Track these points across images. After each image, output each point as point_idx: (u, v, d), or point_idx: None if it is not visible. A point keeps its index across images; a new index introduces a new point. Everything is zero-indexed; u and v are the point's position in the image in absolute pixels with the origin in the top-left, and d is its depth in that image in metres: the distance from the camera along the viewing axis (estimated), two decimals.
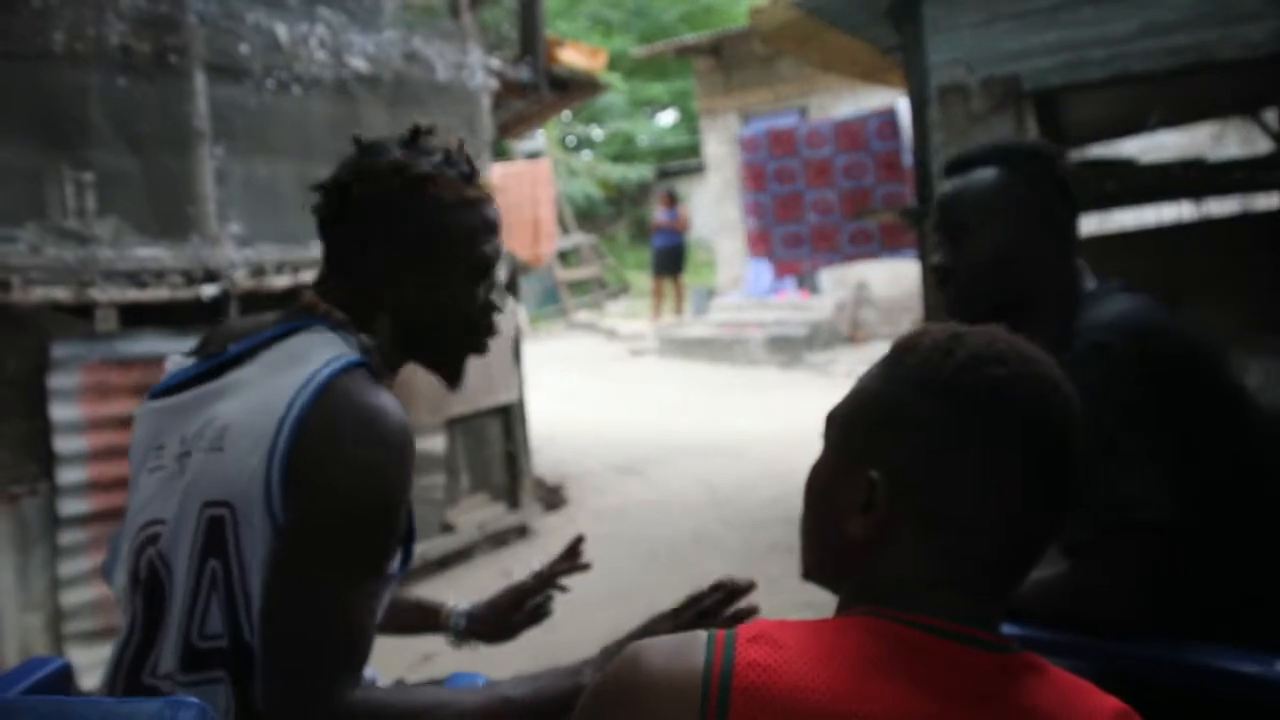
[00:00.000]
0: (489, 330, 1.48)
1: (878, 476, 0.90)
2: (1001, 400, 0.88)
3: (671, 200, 15.02)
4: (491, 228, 1.42)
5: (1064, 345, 1.51)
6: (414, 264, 1.37)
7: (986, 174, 1.65)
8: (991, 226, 1.62)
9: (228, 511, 1.23)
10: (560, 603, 4.66)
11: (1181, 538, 1.35)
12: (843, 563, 0.94)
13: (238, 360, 1.34)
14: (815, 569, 1.00)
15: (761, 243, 7.57)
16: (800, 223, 7.29)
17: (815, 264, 7.84)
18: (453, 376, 1.50)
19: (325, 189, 1.39)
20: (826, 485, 0.97)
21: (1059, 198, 1.63)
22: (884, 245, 7.24)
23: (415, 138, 1.40)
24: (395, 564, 1.32)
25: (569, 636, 4.15)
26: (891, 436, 0.91)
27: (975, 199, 1.64)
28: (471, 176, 1.41)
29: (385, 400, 1.26)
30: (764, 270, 12.33)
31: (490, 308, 1.46)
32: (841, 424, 0.97)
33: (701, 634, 0.86)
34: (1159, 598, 1.35)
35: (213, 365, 1.36)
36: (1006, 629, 0.92)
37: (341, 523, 1.20)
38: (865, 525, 0.90)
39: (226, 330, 1.43)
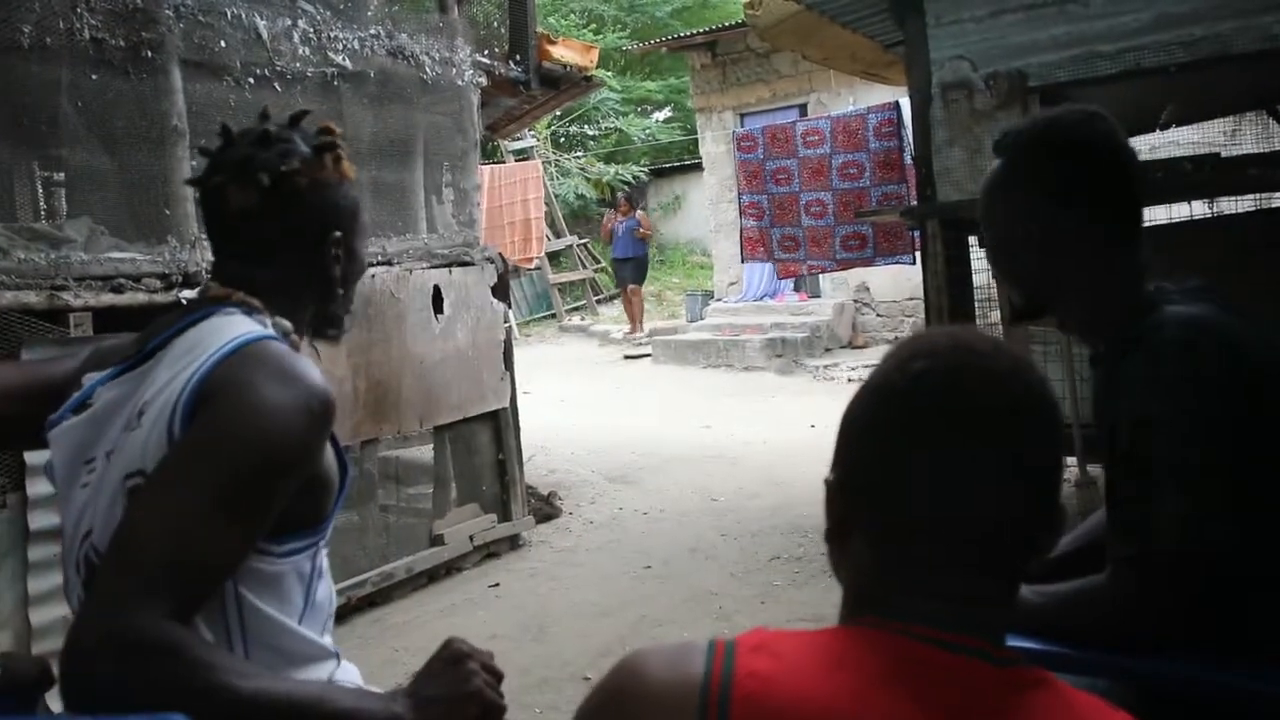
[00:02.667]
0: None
1: (832, 480, 0.93)
2: (924, 396, 0.87)
3: (631, 206, 14.38)
4: (358, 199, 1.52)
5: (1117, 348, 1.44)
6: (344, 237, 1.46)
7: (997, 165, 1.58)
8: (995, 222, 1.58)
9: (141, 478, 1.23)
10: (554, 615, 4.48)
11: (1219, 562, 1.29)
12: (834, 568, 0.96)
13: (154, 354, 1.35)
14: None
15: (760, 245, 7.50)
16: (796, 225, 7.23)
17: (811, 269, 7.77)
18: (339, 336, 1.57)
19: (223, 182, 1.41)
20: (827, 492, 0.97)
21: (1087, 189, 1.50)
22: (878, 250, 7.17)
23: (296, 122, 1.47)
24: (299, 540, 1.31)
25: (562, 649, 4.04)
26: (847, 440, 0.93)
27: (984, 191, 1.59)
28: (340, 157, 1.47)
29: (306, 363, 1.28)
30: (761, 273, 12.25)
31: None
32: None
33: (700, 643, 0.86)
34: (1196, 618, 1.30)
35: (130, 366, 1.36)
36: (1019, 644, 0.92)
37: (220, 451, 1.18)
38: (828, 528, 0.94)
39: (137, 337, 1.43)
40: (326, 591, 1.41)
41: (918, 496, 0.86)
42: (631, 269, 13.97)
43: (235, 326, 1.31)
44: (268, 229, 1.41)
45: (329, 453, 1.34)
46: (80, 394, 1.38)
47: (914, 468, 0.86)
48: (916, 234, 6.34)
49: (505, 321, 5.38)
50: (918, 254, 6.63)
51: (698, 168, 15.34)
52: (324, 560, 1.40)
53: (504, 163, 14.40)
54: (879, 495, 0.89)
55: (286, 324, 1.41)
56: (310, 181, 1.42)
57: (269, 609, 1.28)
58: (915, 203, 5.58)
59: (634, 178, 17.83)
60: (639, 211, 14.50)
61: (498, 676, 1.31)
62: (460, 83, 5.29)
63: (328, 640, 1.40)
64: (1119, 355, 1.44)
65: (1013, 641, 0.90)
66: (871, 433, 0.90)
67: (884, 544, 0.89)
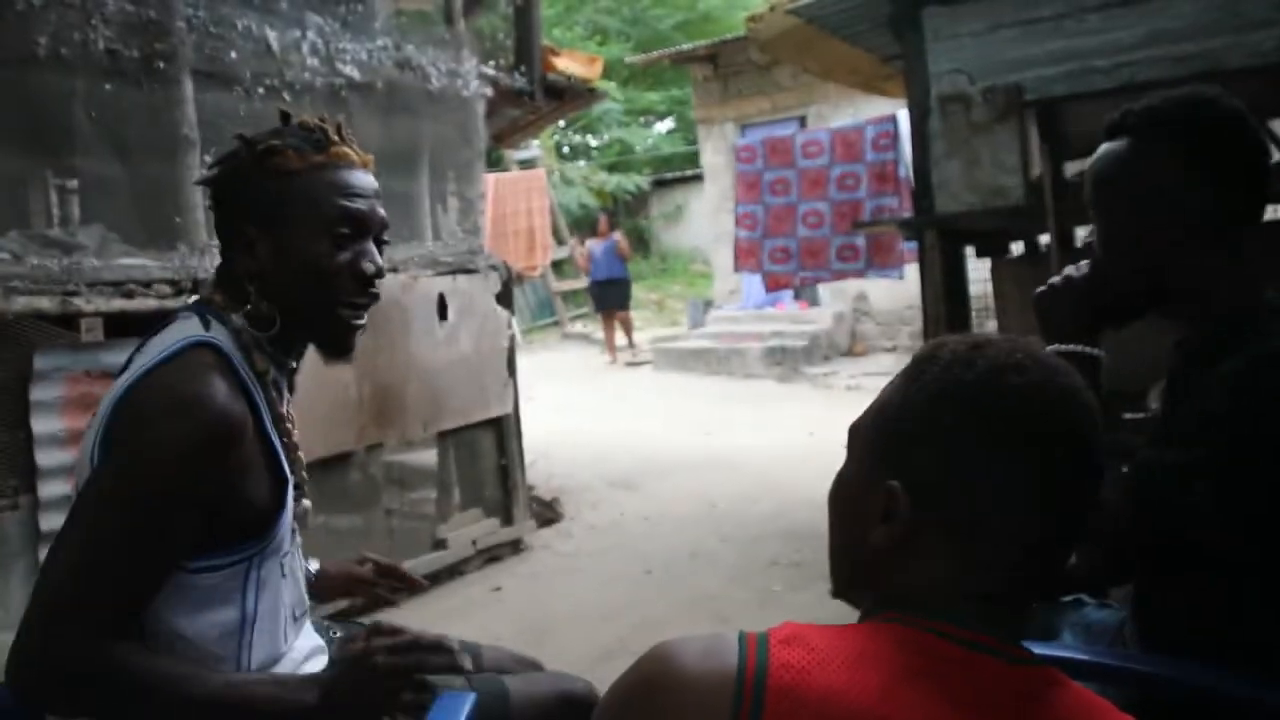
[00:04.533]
0: (359, 293, 1.45)
1: (898, 486, 0.91)
2: (1019, 409, 0.89)
3: (612, 226, 13.92)
4: (346, 190, 1.42)
5: (1220, 342, 1.40)
6: (266, 231, 1.40)
7: (1116, 146, 1.49)
8: (1110, 208, 1.50)
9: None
10: (556, 618, 4.52)
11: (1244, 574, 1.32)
12: (868, 574, 0.95)
13: (132, 359, 1.41)
14: (844, 586, 1.00)
15: (750, 255, 7.56)
16: (790, 237, 7.30)
17: (804, 280, 7.82)
18: (333, 346, 1.49)
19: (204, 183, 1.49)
20: (851, 496, 0.98)
21: (1216, 166, 1.43)
22: (871, 263, 7.24)
23: (285, 121, 1.45)
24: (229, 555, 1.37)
25: (564, 651, 4.07)
26: (913, 446, 0.92)
27: (1098, 175, 1.51)
28: (323, 145, 1.42)
29: (204, 387, 1.29)
30: (760, 283, 12.32)
31: (357, 270, 1.43)
32: (865, 435, 0.98)
33: (731, 635, 0.86)
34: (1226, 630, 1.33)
35: (123, 368, 1.43)
36: (1037, 650, 0.91)
37: (122, 476, 1.28)
38: (887, 535, 0.91)
39: None
40: (274, 602, 1.44)
41: (985, 505, 0.88)
42: (616, 293, 13.30)
43: (170, 336, 1.36)
44: (218, 222, 1.46)
45: (255, 474, 1.37)
46: None
47: (989, 478, 0.88)
48: (909, 248, 6.41)
49: (509, 328, 5.44)
50: (907, 268, 6.71)
51: (699, 178, 15.41)
52: (273, 570, 1.43)
53: (509, 172, 14.46)
54: (947, 502, 0.90)
55: (237, 321, 1.41)
56: (241, 178, 1.42)
57: (175, 618, 1.34)
58: (907, 215, 5.64)
59: (636, 187, 17.77)
60: (617, 233, 13.88)
61: (418, 646, 1.40)
62: (466, 94, 5.34)
63: (279, 644, 1.47)
64: (1215, 351, 1.39)
65: (1031, 647, 0.92)
66: (956, 442, 0.90)
67: (929, 549, 0.90)
